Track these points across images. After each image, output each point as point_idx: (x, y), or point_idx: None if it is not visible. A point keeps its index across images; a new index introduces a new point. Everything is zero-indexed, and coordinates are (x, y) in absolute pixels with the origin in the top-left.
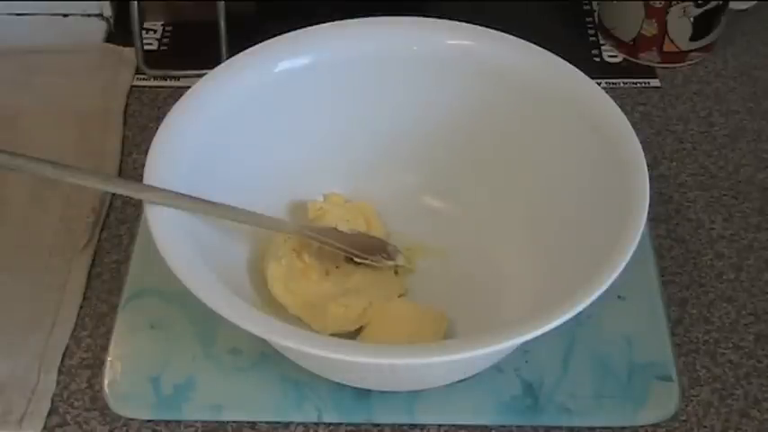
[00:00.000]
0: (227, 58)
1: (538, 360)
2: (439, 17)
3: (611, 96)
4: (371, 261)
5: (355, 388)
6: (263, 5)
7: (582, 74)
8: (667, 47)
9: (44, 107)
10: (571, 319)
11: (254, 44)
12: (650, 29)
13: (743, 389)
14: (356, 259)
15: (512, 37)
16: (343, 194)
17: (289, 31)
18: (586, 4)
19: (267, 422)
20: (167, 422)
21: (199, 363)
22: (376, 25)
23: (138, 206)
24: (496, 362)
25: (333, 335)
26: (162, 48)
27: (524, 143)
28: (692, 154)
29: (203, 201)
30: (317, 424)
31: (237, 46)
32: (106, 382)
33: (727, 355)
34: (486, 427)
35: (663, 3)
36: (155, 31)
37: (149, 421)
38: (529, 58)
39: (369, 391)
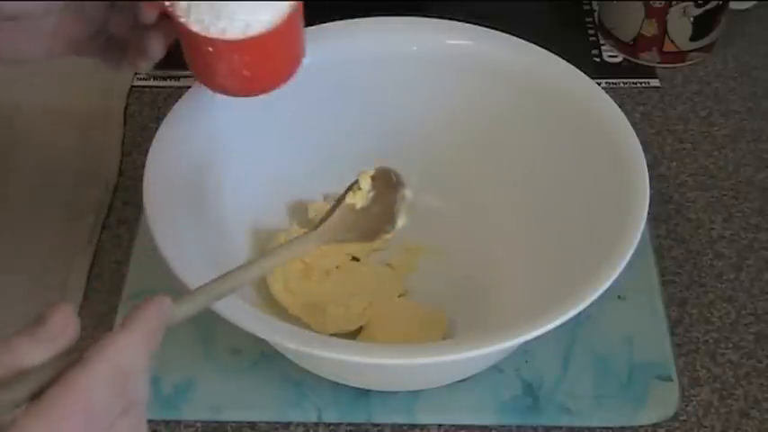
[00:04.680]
0: None
1: (538, 360)
2: (439, 17)
3: (611, 96)
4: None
5: (355, 388)
6: None
7: (582, 74)
8: (667, 47)
9: (44, 107)
10: (571, 319)
11: None
12: (650, 29)
13: (743, 389)
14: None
15: (511, 37)
16: None
17: None
18: (586, 4)
19: (267, 422)
20: (167, 422)
21: (199, 363)
22: (376, 25)
23: (138, 206)
24: (496, 362)
25: (333, 335)
26: None
27: (524, 143)
28: (691, 154)
29: (235, 271)
30: (316, 424)
31: None
32: None
33: (728, 355)
34: (486, 427)
35: (663, 3)
36: None
37: (149, 421)
38: (529, 57)
39: (368, 390)
